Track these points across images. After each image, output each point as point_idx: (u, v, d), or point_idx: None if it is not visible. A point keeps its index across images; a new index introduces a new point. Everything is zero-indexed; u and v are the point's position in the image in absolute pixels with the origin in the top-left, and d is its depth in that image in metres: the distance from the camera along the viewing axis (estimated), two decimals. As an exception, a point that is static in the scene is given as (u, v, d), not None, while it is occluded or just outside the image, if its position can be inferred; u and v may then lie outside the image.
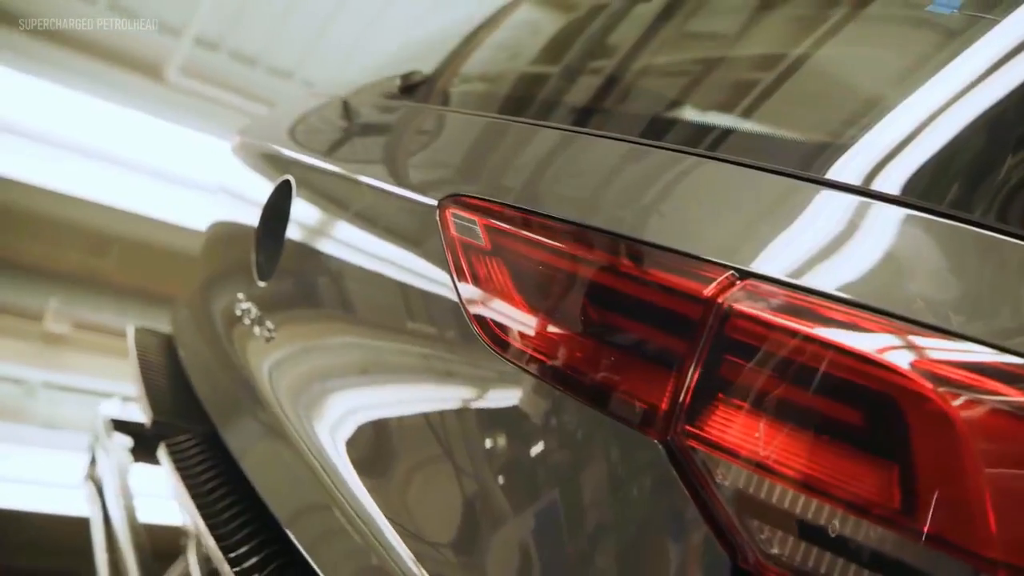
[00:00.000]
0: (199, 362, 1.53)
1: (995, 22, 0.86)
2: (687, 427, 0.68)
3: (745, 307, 0.67)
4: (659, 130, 0.94)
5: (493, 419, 0.83)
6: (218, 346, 1.46)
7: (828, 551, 0.61)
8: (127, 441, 1.90)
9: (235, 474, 1.30)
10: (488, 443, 0.83)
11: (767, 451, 0.64)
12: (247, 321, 1.35)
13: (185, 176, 4.23)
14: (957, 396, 0.59)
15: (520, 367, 0.80)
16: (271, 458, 1.18)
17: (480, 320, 0.85)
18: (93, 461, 1.93)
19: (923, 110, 0.77)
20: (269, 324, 1.26)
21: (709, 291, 0.69)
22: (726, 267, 0.70)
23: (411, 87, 1.34)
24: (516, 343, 0.81)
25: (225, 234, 1.75)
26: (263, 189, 1.45)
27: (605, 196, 0.84)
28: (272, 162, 1.48)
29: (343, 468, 0.98)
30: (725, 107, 0.95)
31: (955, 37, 0.88)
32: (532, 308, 0.81)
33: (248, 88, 4.30)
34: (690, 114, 0.95)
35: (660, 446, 0.69)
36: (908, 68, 0.86)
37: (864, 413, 0.62)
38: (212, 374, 1.45)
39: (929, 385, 0.59)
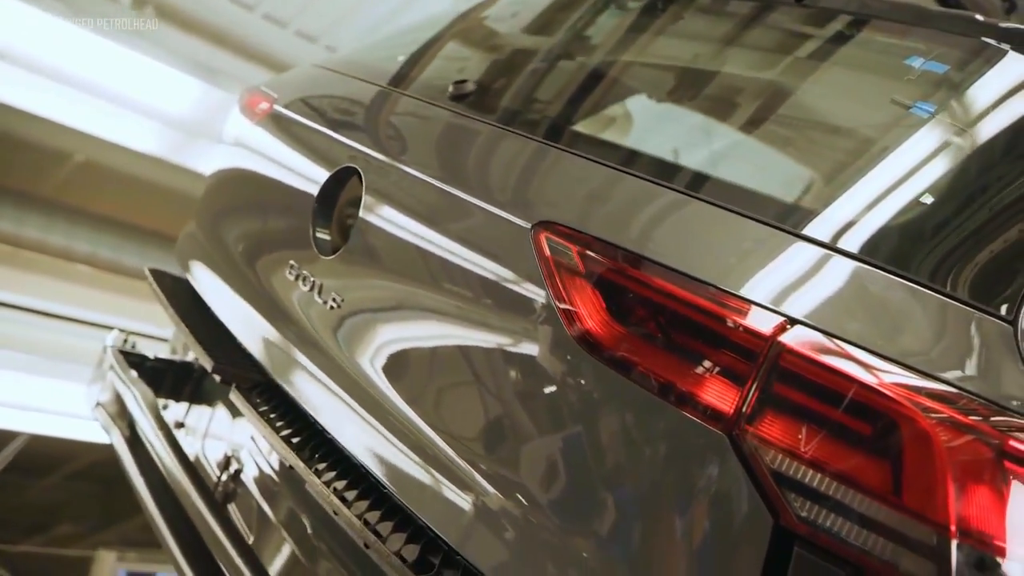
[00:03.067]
0: (244, 313, 1.71)
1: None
2: (747, 427, 0.97)
3: (794, 345, 0.96)
4: (733, 195, 1.20)
5: (583, 409, 1.10)
6: (267, 303, 1.65)
7: (841, 516, 0.92)
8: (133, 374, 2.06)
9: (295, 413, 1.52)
10: (580, 428, 1.10)
11: (803, 446, 0.94)
12: (304, 287, 1.55)
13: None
14: (932, 418, 0.90)
15: (608, 367, 1.07)
16: (344, 405, 1.41)
17: (572, 326, 1.11)
18: (104, 391, 2.09)
19: (943, 195, 1.08)
20: (335, 295, 1.47)
21: (769, 331, 0.98)
22: (781, 314, 0.98)
23: (464, 95, 1.55)
24: (605, 348, 1.08)
25: (249, 191, 1.91)
26: (313, 168, 1.63)
27: (686, 243, 1.11)
28: (324, 145, 1.66)
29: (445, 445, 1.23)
30: (785, 186, 1.23)
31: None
32: (622, 324, 1.08)
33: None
34: (763, 185, 1.22)
35: (725, 437, 0.98)
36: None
37: (871, 425, 0.93)
38: (264, 328, 1.64)
39: (917, 410, 0.90)
